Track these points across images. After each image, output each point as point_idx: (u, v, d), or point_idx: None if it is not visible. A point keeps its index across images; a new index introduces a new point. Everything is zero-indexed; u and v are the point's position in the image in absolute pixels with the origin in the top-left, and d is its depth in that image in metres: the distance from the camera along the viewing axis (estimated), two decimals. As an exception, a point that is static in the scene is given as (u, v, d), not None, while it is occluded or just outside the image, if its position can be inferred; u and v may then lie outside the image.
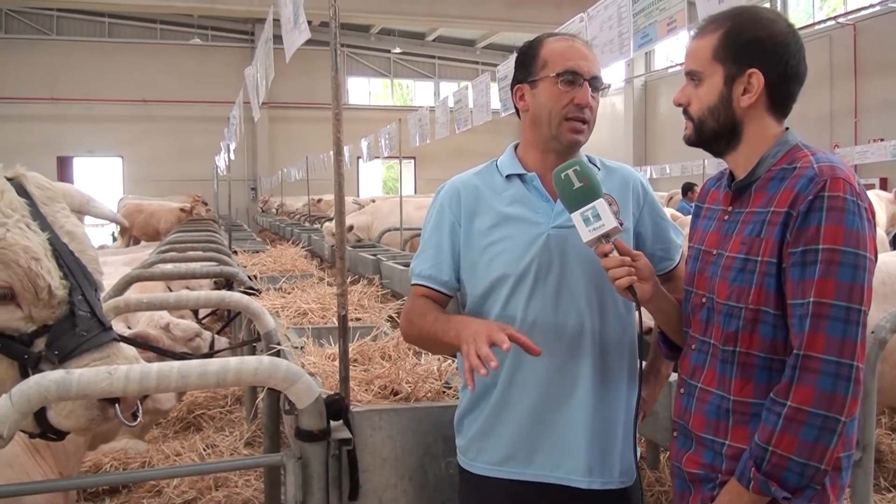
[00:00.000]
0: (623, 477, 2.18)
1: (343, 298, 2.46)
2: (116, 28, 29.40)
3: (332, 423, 2.22)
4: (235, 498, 4.15)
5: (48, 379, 1.82)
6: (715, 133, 1.90)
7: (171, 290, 5.54)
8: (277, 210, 22.54)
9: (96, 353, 1.96)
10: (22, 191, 2.02)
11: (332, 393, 2.29)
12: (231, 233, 10.92)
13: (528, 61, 2.23)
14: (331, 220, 12.48)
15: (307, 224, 15.92)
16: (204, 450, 4.92)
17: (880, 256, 3.41)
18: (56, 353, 1.91)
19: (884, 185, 17.31)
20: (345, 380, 2.42)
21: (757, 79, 1.83)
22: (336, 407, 2.20)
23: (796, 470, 1.68)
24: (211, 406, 5.99)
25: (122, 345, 2.07)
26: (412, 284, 2.31)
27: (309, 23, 3.53)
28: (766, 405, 1.75)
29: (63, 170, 27.73)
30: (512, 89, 2.30)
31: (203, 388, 2.61)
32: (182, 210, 16.47)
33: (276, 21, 4.35)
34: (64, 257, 1.98)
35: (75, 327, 1.94)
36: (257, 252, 9.07)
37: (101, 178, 28.24)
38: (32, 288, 1.90)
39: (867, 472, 2.56)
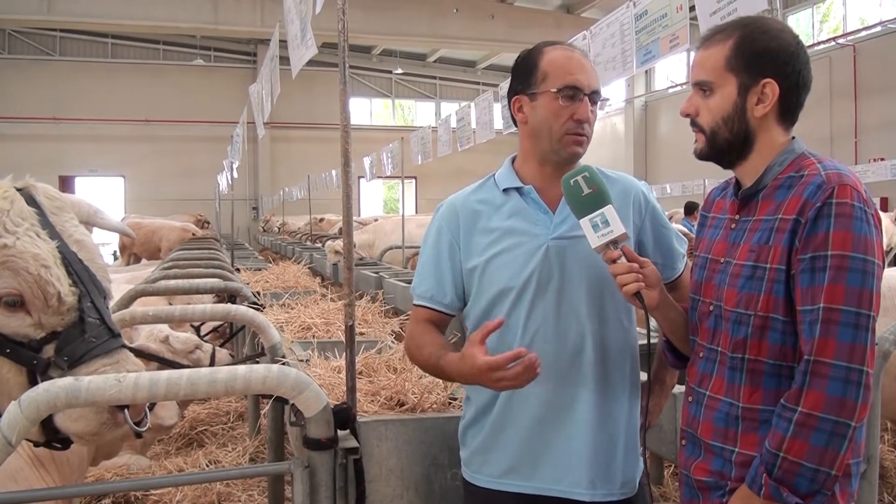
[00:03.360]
0: (625, 488, 2.18)
1: (351, 308, 2.47)
2: (119, 49, 29.59)
3: (339, 432, 2.22)
4: (239, 512, 4.15)
5: (57, 386, 1.82)
6: (728, 143, 1.91)
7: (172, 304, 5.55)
8: (279, 229, 22.57)
9: (105, 359, 1.97)
10: (31, 201, 2.05)
11: (340, 402, 2.29)
12: (234, 251, 10.92)
13: (527, 72, 2.22)
14: (333, 238, 12.51)
15: (308, 243, 15.93)
16: (207, 465, 4.90)
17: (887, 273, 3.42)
18: (65, 359, 1.93)
19: (884, 204, 17.35)
20: (352, 389, 2.43)
21: (771, 88, 1.84)
22: (343, 416, 2.21)
23: (807, 475, 1.69)
24: (213, 422, 5.98)
25: (129, 352, 2.08)
26: (414, 304, 2.32)
27: (312, 43, 3.56)
28: (776, 411, 1.75)
29: (65, 189, 27.69)
30: (509, 99, 2.29)
31: (212, 395, 2.61)
32: (186, 231, 16.37)
33: (283, 43, 4.38)
34: (73, 265, 2.00)
35: (84, 334, 1.96)
36: (259, 270, 9.07)
37: (102, 198, 28.26)
38: (42, 295, 1.92)
39: (872, 484, 2.56)
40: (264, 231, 25.34)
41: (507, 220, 2.21)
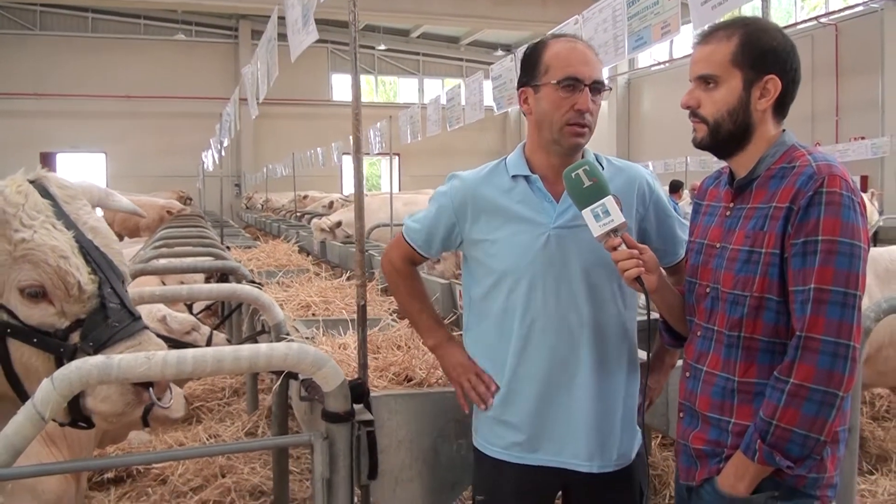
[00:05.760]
0: (619, 460, 2.35)
1: (362, 289, 2.58)
2: (100, 23, 29.29)
3: (354, 406, 2.34)
4: (244, 484, 4.25)
5: (89, 364, 1.90)
6: (730, 135, 2.03)
7: (164, 284, 5.60)
8: (262, 206, 22.54)
9: (129, 342, 2.03)
10: (45, 192, 2.09)
11: (354, 378, 2.41)
12: (223, 229, 10.96)
13: (532, 65, 2.33)
14: (318, 216, 12.55)
15: (293, 220, 15.96)
16: (207, 439, 5.00)
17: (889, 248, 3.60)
18: (91, 344, 1.99)
19: (864, 182, 17.57)
20: (363, 366, 2.55)
21: (774, 84, 1.97)
22: (359, 390, 2.33)
23: (798, 441, 1.84)
24: (209, 398, 6.07)
25: (151, 332, 2.16)
26: (403, 234, 2.52)
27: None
28: (770, 383, 1.89)
29: (46, 166, 27.08)
30: (518, 91, 2.41)
31: (235, 372, 2.72)
32: (168, 212, 16.21)
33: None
34: (91, 253, 2.05)
35: (107, 319, 2.01)
36: (249, 248, 9.14)
37: (84, 174, 27.97)
38: (63, 285, 1.98)
39: (852, 452, 2.71)
40: (247, 208, 25.28)
41: (513, 206, 2.33)
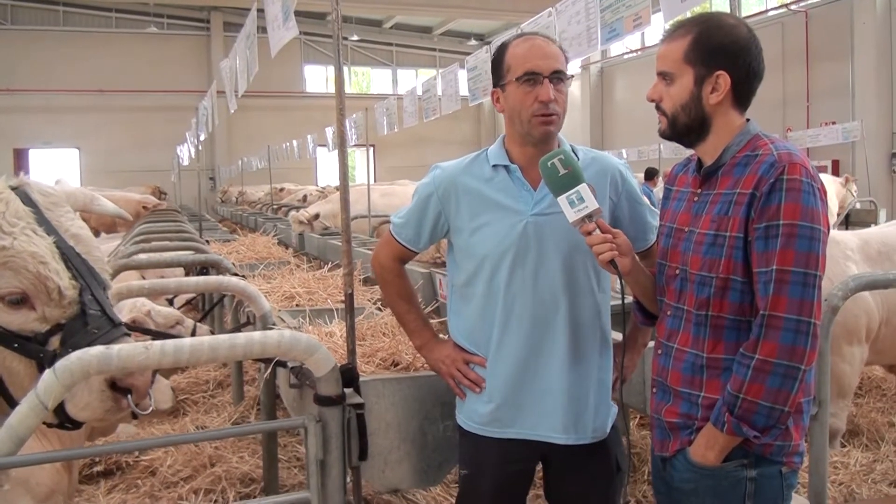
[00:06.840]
0: (595, 433, 2.50)
1: (349, 278, 2.67)
2: (72, 17, 29.03)
3: (345, 390, 2.43)
4: (234, 472, 4.32)
5: (90, 354, 1.94)
6: (687, 127, 2.16)
7: (144, 279, 5.63)
8: (237, 200, 22.52)
9: None
10: (27, 198, 2.11)
11: (344, 363, 2.51)
12: (201, 223, 10.97)
13: (497, 67, 2.50)
14: (295, 209, 12.60)
15: (269, 213, 15.98)
16: (195, 430, 5.06)
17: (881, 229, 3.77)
18: (70, 350, 1.99)
19: (836, 166, 17.85)
20: (352, 352, 2.64)
21: (724, 79, 2.09)
22: (349, 375, 2.43)
23: (764, 413, 1.96)
24: (194, 391, 6.09)
25: (131, 340, 2.15)
26: (392, 233, 2.64)
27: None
28: (736, 359, 2.02)
29: (19, 162, 27.34)
30: (491, 92, 2.57)
31: (230, 360, 2.76)
32: (144, 207, 16.14)
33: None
34: (71, 259, 2.07)
35: (87, 325, 2.04)
36: (228, 241, 9.18)
37: (57, 170, 27.78)
38: (45, 290, 2.00)
39: (823, 426, 2.84)
40: (222, 202, 25.23)
41: (494, 194, 2.47)
